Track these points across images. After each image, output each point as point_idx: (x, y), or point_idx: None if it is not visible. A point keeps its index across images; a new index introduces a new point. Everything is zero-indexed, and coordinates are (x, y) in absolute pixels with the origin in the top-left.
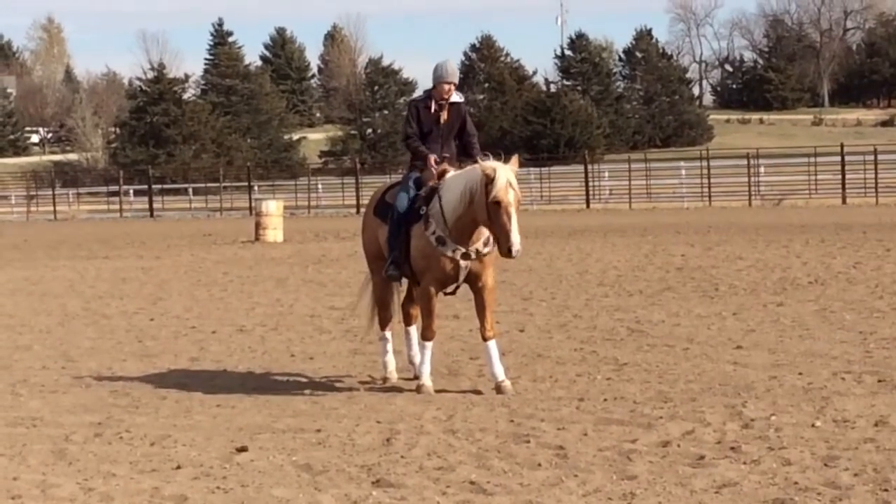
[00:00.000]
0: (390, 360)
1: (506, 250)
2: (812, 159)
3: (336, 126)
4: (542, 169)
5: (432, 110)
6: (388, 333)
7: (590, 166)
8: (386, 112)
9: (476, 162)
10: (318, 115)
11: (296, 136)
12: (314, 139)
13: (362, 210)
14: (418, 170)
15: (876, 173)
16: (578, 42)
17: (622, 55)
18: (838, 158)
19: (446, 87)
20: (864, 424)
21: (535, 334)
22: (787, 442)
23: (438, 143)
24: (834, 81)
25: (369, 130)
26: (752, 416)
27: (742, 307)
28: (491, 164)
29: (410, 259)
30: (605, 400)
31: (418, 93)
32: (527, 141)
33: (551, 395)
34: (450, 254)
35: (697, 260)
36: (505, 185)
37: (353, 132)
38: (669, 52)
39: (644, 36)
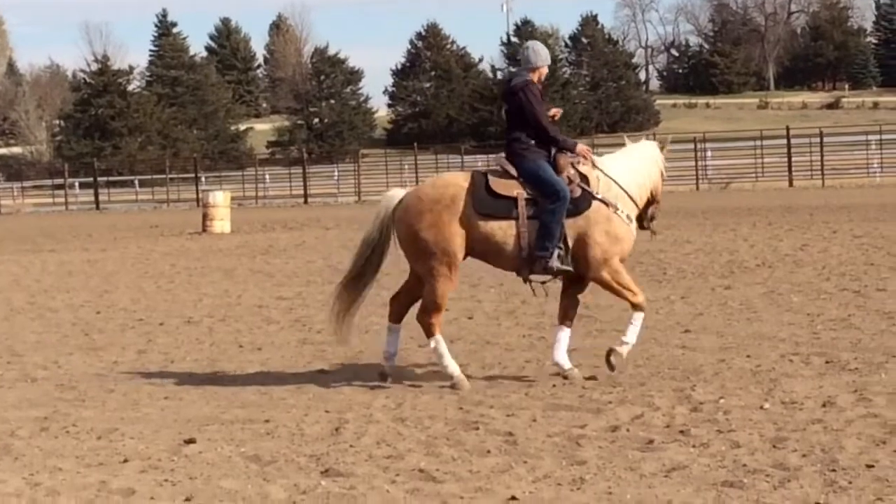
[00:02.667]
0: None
1: (650, 221)
2: (758, 143)
3: (283, 116)
4: (490, 156)
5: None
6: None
7: None
8: (332, 102)
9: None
10: (264, 105)
11: (242, 127)
12: (261, 130)
13: (311, 200)
14: (543, 156)
15: (822, 156)
16: (524, 29)
17: (568, 41)
18: (784, 141)
19: (546, 70)
20: (812, 406)
21: (484, 321)
22: (736, 424)
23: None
24: (779, 65)
25: (316, 120)
26: (701, 399)
27: (690, 291)
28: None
29: (589, 246)
30: (554, 386)
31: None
32: (474, 128)
33: (500, 381)
34: (636, 232)
35: (645, 244)
36: None
37: (299, 122)
38: (615, 38)
39: (590, 22)
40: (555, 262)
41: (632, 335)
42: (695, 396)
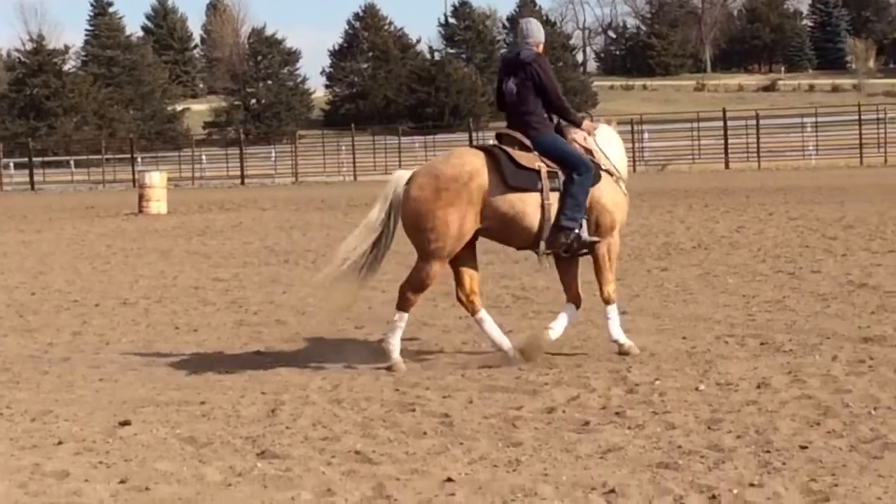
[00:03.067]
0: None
1: None
2: (695, 125)
3: (220, 97)
4: (427, 137)
5: None
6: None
7: (475, 134)
8: (270, 82)
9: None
10: (201, 86)
11: (179, 108)
12: (198, 110)
13: (247, 181)
14: (553, 130)
15: (758, 138)
16: (462, 10)
17: (506, 22)
18: (721, 124)
19: (543, 45)
20: (747, 387)
21: (421, 303)
22: (671, 406)
23: None
24: (716, 47)
25: (253, 101)
26: (637, 381)
27: (626, 272)
28: None
29: (601, 214)
30: (491, 367)
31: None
32: (411, 109)
33: (437, 363)
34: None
35: None
36: None
37: (236, 103)
38: (553, 20)
39: (527, 3)
40: (585, 233)
41: (615, 329)
42: (630, 378)
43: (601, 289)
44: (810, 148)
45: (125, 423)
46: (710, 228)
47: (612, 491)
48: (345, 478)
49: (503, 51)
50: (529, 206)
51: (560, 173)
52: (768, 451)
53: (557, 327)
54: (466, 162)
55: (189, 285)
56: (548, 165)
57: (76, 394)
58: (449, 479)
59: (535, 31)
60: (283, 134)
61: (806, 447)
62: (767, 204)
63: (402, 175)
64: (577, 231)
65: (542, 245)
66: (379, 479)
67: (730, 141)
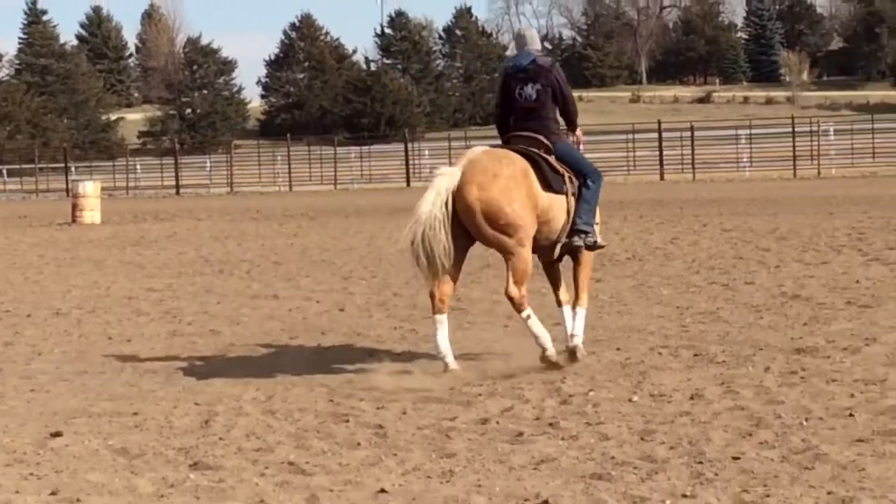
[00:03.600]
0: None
1: None
2: (630, 136)
3: (155, 106)
4: (363, 148)
5: None
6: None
7: (410, 145)
8: (205, 92)
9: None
10: (136, 95)
11: (114, 117)
12: (132, 119)
13: (182, 191)
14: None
15: (693, 150)
16: (398, 20)
17: (442, 33)
18: (656, 135)
19: None
20: (680, 398)
21: (356, 313)
22: (605, 417)
23: None
24: (651, 59)
25: (189, 110)
26: (571, 391)
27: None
28: None
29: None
30: (425, 377)
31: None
32: (347, 120)
33: (371, 374)
34: None
35: None
36: None
37: (172, 112)
38: (489, 31)
39: (464, 14)
40: (599, 237)
41: (581, 329)
42: (564, 389)
43: (584, 294)
44: (744, 160)
45: (56, 435)
46: (645, 240)
47: (546, 502)
48: (278, 489)
49: (509, 58)
50: (560, 209)
51: (574, 179)
52: (701, 462)
53: (578, 331)
54: (515, 160)
55: (122, 295)
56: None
57: (7, 405)
58: (382, 491)
59: (537, 38)
60: (219, 144)
61: (738, 458)
62: (702, 215)
63: (453, 173)
64: (592, 237)
65: (557, 249)
66: (312, 491)
67: (665, 152)
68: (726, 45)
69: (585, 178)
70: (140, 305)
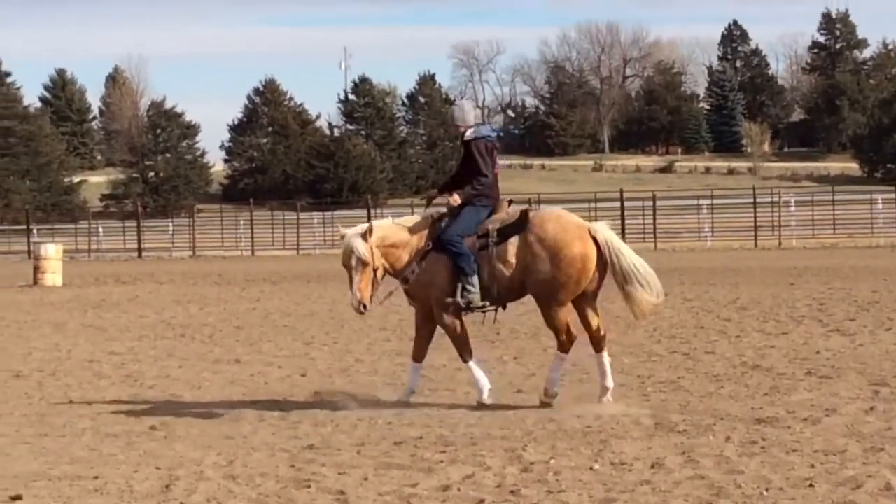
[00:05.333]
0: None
1: None
2: (593, 204)
3: (118, 169)
4: (326, 213)
5: None
6: None
7: (373, 211)
8: (168, 155)
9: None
10: (99, 157)
11: (76, 179)
12: (95, 182)
13: (145, 254)
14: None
15: (654, 218)
16: (362, 86)
17: (406, 100)
18: (618, 204)
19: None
20: (641, 467)
21: (317, 378)
22: (566, 485)
23: None
24: (614, 128)
25: (152, 174)
26: (532, 459)
27: (523, 351)
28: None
29: None
30: (387, 443)
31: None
32: (310, 185)
33: (332, 439)
34: None
35: None
36: None
37: (135, 175)
38: (453, 98)
39: (427, 81)
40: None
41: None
42: (526, 457)
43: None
44: (706, 229)
45: (17, 498)
46: (606, 308)
47: None
48: None
49: (485, 131)
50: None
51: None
52: None
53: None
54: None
55: (84, 358)
56: None
57: None
58: None
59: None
60: (182, 207)
61: None
62: (663, 284)
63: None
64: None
65: None
66: None
67: (627, 221)
68: (688, 115)
69: None
70: (101, 369)
